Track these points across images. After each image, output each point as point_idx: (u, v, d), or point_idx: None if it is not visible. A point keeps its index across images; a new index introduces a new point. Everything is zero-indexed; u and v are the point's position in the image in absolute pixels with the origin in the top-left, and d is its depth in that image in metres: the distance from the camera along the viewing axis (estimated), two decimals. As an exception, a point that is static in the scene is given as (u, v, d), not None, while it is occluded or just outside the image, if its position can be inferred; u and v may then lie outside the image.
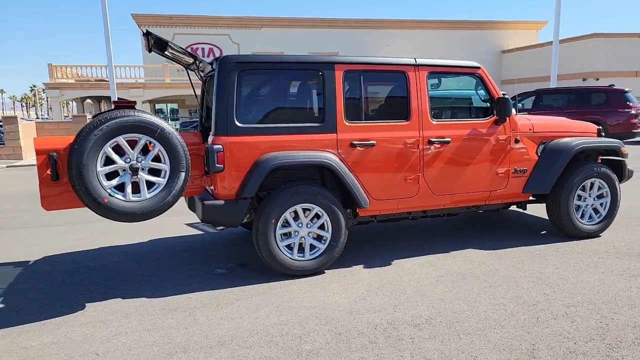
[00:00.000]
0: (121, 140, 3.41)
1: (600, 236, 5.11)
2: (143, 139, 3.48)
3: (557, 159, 4.81)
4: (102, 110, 3.44)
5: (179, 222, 6.19)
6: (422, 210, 4.63)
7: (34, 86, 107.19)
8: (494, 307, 3.38)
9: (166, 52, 4.34)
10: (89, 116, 17.94)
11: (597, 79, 25.99)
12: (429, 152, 4.40)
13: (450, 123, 4.54)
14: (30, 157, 16.22)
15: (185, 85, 26.40)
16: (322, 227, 4.14)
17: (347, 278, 4.06)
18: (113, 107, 3.57)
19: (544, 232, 5.39)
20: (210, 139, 3.95)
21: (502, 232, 5.42)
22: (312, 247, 4.14)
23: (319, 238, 4.17)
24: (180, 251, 5.03)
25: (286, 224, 4.04)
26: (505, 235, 5.27)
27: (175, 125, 22.61)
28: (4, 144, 16.10)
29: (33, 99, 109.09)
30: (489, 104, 4.68)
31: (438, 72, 4.54)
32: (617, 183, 5.10)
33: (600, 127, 5.46)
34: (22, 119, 22.23)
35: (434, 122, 4.42)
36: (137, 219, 3.50)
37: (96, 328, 3.23)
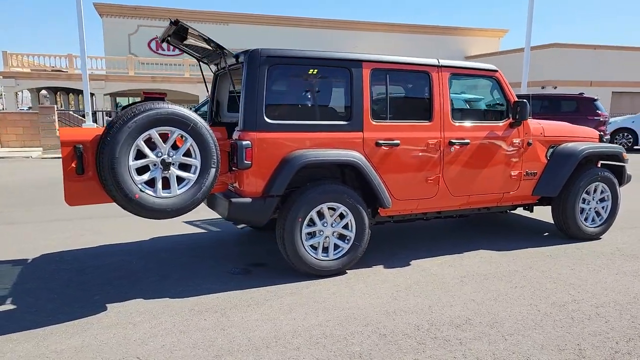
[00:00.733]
0: (154, 133, 3.24)
1: (600, 238, 5.28)
2: (176, 133, 3.33)
3: (566, 163, 4.94)
4: (131, 103, 3.28)
5: (176, 220, 5.96)
6: (438, 211, 4.66)
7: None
8: (527, 308, 3.42)
9: (185, 43, 4.17)
10: (57, 107, 17.16)
11: (555, 87, 26.84)
12: (450, 153, 4.42)
13: (469, 125, 4.58)
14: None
15: (148, 79, 25.58)
16: (346, 226, 4.08)
17: (371, 278, 4.03)
18: (143, 98, 3.40)
19: (547, 233, 5.52)
20: (236, 134, 3.82)
21: (506, 233, 5.53)
22: (335, 246, 4.09)
23: (342, 238, 4.11)
24: (187, 250, 4.87)
25: (311, 223, 3.96)
26: (510, 236, 5.37)
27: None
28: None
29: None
30: (505, 107, 4.76)
31: (459, 74, 4.57)
32: (617, 187, 5.29)
33: (601, 133, 5.65)
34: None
35: (455, 124, 4.45)
36: (168, 216, 3.35)
37: (127, 330, 3.06)
